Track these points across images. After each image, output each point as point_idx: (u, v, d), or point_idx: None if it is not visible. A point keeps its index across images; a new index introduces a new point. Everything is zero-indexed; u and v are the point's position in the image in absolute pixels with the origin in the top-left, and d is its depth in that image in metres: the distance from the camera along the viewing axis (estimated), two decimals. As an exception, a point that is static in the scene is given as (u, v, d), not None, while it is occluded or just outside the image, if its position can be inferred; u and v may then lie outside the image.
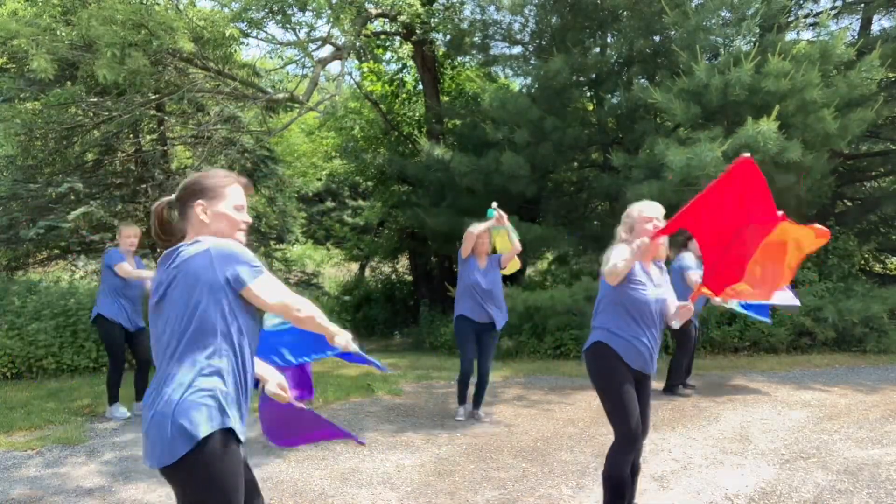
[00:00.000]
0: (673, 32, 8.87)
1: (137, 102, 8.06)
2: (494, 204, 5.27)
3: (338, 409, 6.07)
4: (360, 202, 18.78)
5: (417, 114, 14.47)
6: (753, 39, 8.61)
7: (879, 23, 11.41)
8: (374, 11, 10.04)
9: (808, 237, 3.17)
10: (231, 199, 2.12)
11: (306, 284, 12.27)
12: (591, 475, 4.11)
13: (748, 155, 2.71)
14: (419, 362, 8.78)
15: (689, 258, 6.29)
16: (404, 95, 14.87)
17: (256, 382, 2.31)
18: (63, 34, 6.96)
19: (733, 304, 6.15)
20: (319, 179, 18.82)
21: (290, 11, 8.45)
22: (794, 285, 6.81)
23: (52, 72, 6.51)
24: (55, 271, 10.84)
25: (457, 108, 12.70)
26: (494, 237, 5.48)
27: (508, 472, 4.22)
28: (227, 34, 7.59)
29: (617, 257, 3.04)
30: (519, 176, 9.58)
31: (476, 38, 10.97)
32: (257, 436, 4.34)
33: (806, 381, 7.09)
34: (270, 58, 12.24)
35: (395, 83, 14.76)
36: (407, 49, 13.96)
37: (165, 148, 10.03)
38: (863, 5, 10.15)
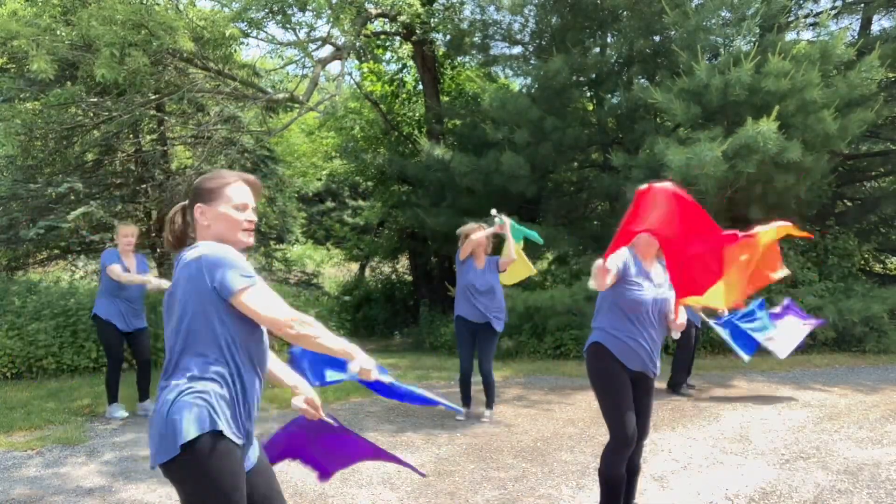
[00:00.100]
0: (673, 32, 8.88)
1: (137, 102, 8.06)
2: (494, 211, 5.27)
3: (338, 409, 6.07)
4: (360, 202, 18.79)
5: (417, 114, 14.47)
6: (753, 39, 8.61)
7: (879, 23, 11.43)
8: (373, 11, 10.05)
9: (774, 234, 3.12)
10: (232, 199, 2.04)
11: (306, 284, 12.28)
12: (591, 475, 4.10)
13: (651, 185, 2.83)
14: (419, 362, 8.78)
15: None
16: (404, 95, 14.88)
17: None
18: (63, 34, 6.96)
19: (722, 332, 6.18)
20: (319, 179, 18.82)
21: (290, 11, 8.45)
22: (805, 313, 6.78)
23: (52, 72, 6.51)
24: (55, 271, 10.84)
25: (457, 108, 12.71)
26: (517, 265, 5.51)
27: (508, 472, 4.22)
28: (228, 34, 7.59)
29: (610, 262, 3.04)
30: (519, 176, 9.58)
31: (476, 38, 10.97)
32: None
33: (806, 381, 7.09)
34: (270, 58, 12.26)
35: (395, 83, 14.77)
36: (407, 49, 13.97)
37: (165, 148, 10.03)
38: (863, 5, 10.15)
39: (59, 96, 7.67)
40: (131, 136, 9.65)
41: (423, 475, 2.91)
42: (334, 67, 14.50)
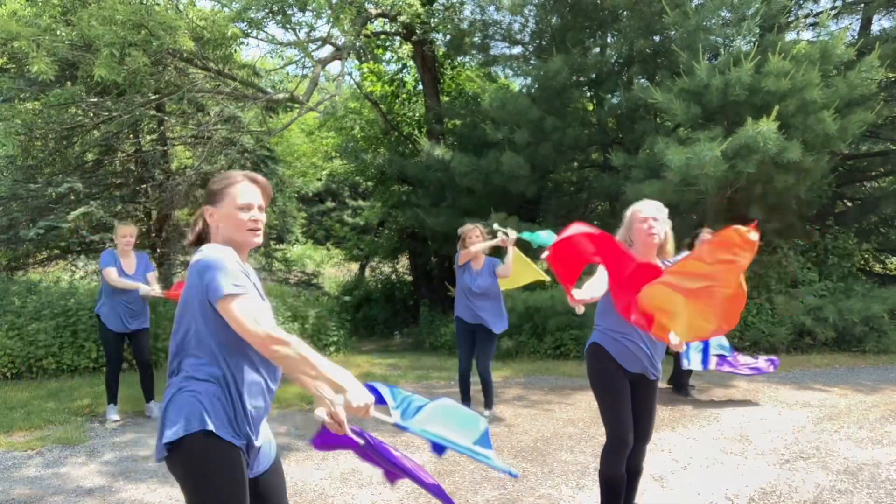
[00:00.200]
0: (673, 32, 8.88)
1: (137, 102, 8.06)
2: (496, 225, 5.25)
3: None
4: (360, 202, 18.80)
5: (417, 114, 14.48)
6: (753, 39, 8.61)
7: (879, 23, 11.43)
8: (373, 11, 10.04)
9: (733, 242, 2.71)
10: (236, 199, 2.02)
11: (306, 284, 12.27)
12: (591, 475, 4.11)
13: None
14: (419, 362, 8.78)
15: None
16: (404, 95, 14.88)
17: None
18: (63, 34, 6.96)
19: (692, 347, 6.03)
20: (319, 179, 18.83)
21: (290, 11, 8.45)
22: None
23: (52, 74, 6.51)
24: (55, 271, 10.83)
25: (457, 108, 12.71)
26: (523, 270, 5.47)
27: (508, 472, 4.22)
28: (229, 34, 7.59)
29: (583, 293, 3.00)
30: (519, 176, 9.58)
31: (476, 38, 10.98)
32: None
33: (806, 381, 7.09)
34: (270, 58, 12.26)
35: (395, 83, 14.77)
36: (407, 49, 13.97)
37: (165, 148, 10.03)
38: (863, 5, 10.15)
39: (59, 96, 7.66)
40: (131, 136, 9.65)
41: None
42: (334, 67, 14.53)
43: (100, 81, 6.90)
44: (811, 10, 10.57)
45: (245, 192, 2.04)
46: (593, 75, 10.12)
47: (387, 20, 11.74)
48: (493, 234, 5.27)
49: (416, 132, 13.98)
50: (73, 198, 8.50)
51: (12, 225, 8.56)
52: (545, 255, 2.87)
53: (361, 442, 2.18)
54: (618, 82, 9.98)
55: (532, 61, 10.75)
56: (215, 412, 1.90)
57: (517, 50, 11.21)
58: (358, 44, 10.32)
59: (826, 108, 7.73)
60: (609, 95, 10.36)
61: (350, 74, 15.38)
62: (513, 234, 5.15)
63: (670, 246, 3.14)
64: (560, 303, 8.58)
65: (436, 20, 10.74)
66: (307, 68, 10.28)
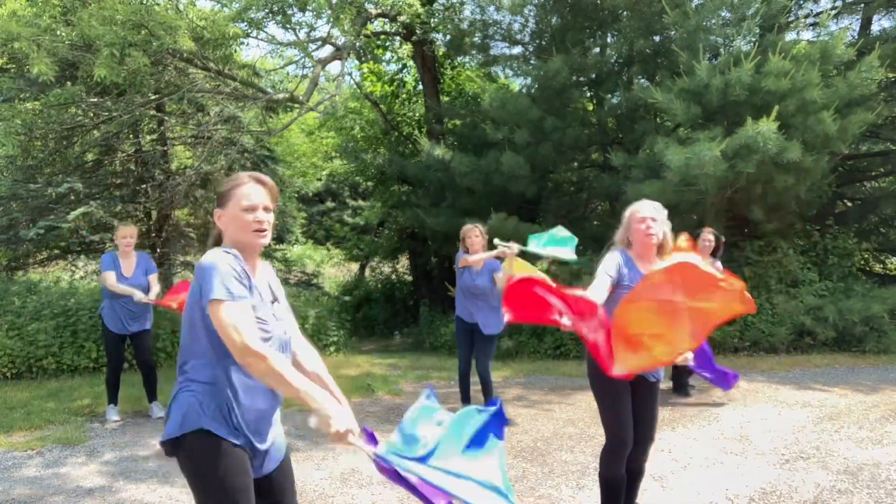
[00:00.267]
0: (673, 32, 8.88)
1: (137, 102, 8.06)
2: (497, 240, 5.16)
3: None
4: (360, 202, 18.81)
5: (417, 114, 14.48)
6: (753, 39, 8.61)
7: (879, 23, 11.42)
8: (373, 11, 10.05)
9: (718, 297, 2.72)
10: (241, 200, 2.01)
11: (306, 284, 12.28)
12: (591, 475, 4.11)
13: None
14: (419, 362, 8.78)
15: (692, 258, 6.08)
16: (404, 95, 14.88)
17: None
18: (63, 34, 6.96)
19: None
20: (319, 179, 18.83)
21: (290, 11, 8.45)
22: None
23: (52, 75, 6.51)
24: (55, 271, 10.83)
25: (457, 108, 12.71)
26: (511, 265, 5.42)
27: (508, 472, 4.21)
28: (231, 33, 7.59)
29: (602, 269, 3.02)
30: (519, 176, 9.58)
31: (476, 39, 10.98)
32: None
33: (806, 381, 7.09)
34: (271, 58, 12.28)
35: (395, 83, 14.77)
36: (407, 49, 13.97)
37: (165, 148, 10.02)
38: (863, 5, 10.15)
39: (59, 96, 7.66)
40: (131, 136, 9.65)
41: None
42: (334, 67, 14.54)
43: (100, 81, 6.90)
44: (811, 10, 10.57)
45: (250, 194, 2.02)
46: (593, 75, 10.13)
47: (387, 20, 11.74)
48: (493, 246, 5.19)
49: (416, 132, 13.99)
50: (73, 198, 8.50)
51: (12, 225, 8.56)
52: (507, 317, 2.92)
53: (413, 479, 2.04)
54: (618, 82, 9.99)
55: (532, 61, 10.76)
56: (211, 412, 1.93)
57: (517, 50, 11.22)
58: (358, 44, 10.32)
59: (826, 109, 7.73)
60: (609, 95, 10.37)
61: (350, 74, 15.41)
62: (515, 248, 4.95)
63: (669, 246, 3.13)
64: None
65: (436, 20, 10.74)
66: (307, 68, 10.30)
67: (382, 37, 13.69)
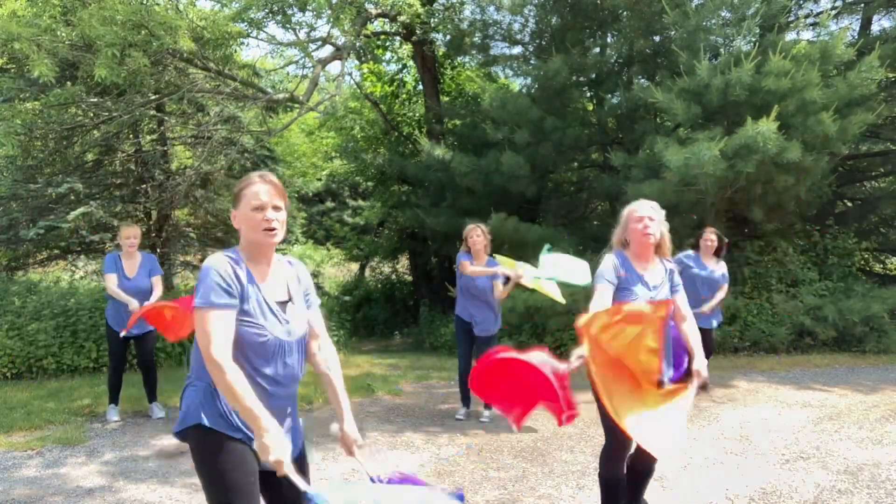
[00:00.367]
0: (673, 32, 8.88)
1: (137, 102, 8.05)
2: (497, 260, 5.25)
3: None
4: (360, 202, 18.79)
5: (417, 114, 14.48)
6: (753, 39, 8.62)
7: (879, 23, 11.41)
8: (373, 11, 10.04)
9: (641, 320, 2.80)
10: (250, 200, 2.03)
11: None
12: (591, 475, 4.11)
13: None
14: (419, 362, 8.78)
15: (692, 258, 6.02)
16: (404, 95, 14.88)
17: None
18: (63, 34, 6.95)
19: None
20: (319, 179, 18.81)
21: (290, 11, 8.45)
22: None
23: (53, 76, 6.50)
24: (55, 271, 10.83)
25: (457, 108, 12.72)
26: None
27: (508, 472, 4.22)
28: (231, 32, 7.59)
29: (601, 276, 3.02)
30: (519, 176, 9.58)
31: (476, 38, 10.98)
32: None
33: (806, 381, 7.09)
34: (271, 58, 12.26)
35: (395, 83, 14.77)
36: (407, 49, 13.97)
37: (165, 148, 10.02)
38: (863, 5, 10.16)
39: (59, 96, 7.66)
40: (131, 136, 9.64)
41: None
42: (334, 67, 14.53)
43: (100, 82, 6.89)
44: (811, 10, 10.57)
45: (258, 193, 2.04)
46: (593, 75, 10.12)
47: (387, 20, 11.74)
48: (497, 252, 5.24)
49: (416, 132, 13.99)
50: (73, 198, 8.50)
51: (12, 225, 8.56)
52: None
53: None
54: (618, 82, 9.99)
55: (532, 61, 10.76)
56: (210, 408, 2.00)
57: (517, 50, 11.22)
58: (358, 44, 10.32)
59: (826, 109, 7.73)
60: (609, 95, 10.37)
61: (350, 74, 15.40)
62: (523, 277, 4.96)
63: (667, 245, 3.13)
64: (560, 303, 8.57)
65: (436, 20, 10.74)
66: (307, 68, 10.29)
67: (382, 37, 13.69)
